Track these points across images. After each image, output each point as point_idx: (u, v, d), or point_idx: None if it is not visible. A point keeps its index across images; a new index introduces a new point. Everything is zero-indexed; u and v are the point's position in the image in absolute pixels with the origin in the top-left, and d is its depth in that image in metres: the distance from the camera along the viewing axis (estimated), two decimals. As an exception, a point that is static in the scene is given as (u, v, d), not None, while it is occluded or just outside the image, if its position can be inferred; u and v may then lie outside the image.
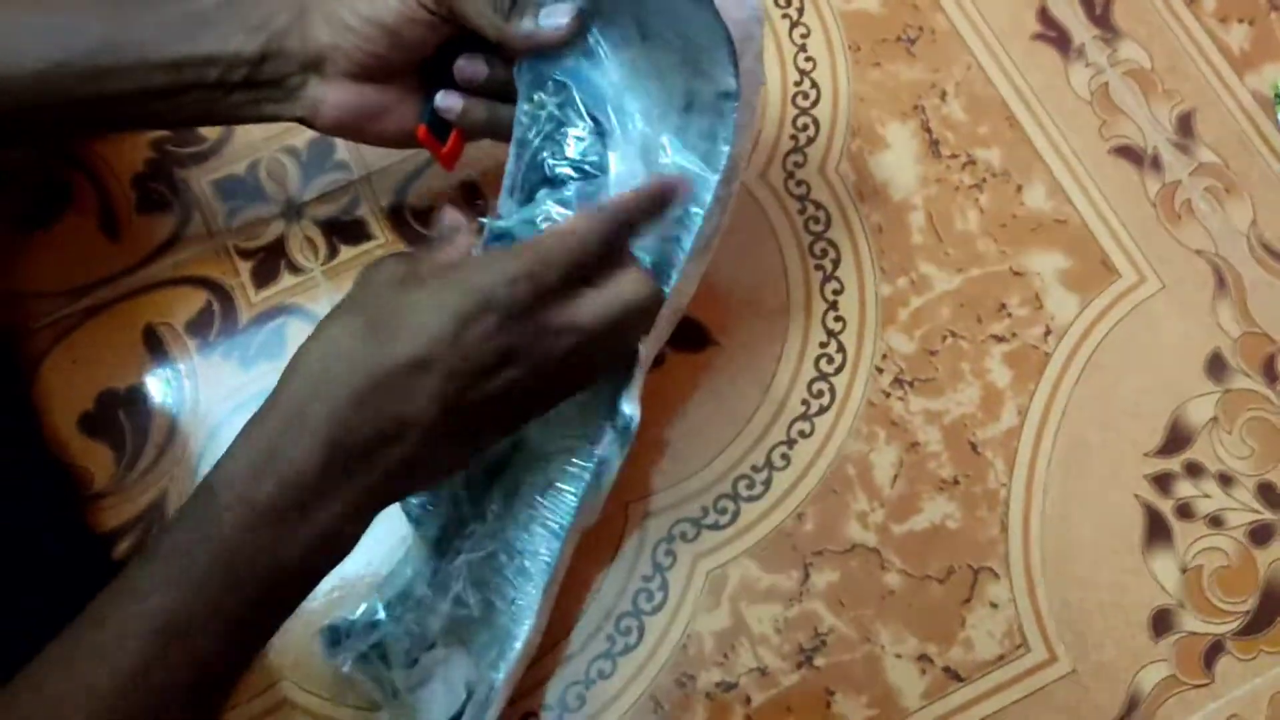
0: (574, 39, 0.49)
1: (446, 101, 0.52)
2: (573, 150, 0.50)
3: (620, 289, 0.44)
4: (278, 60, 0.49)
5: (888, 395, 0.59)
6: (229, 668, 0.41)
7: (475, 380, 0.41)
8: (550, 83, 0.50)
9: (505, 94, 0.51)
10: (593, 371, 0.47)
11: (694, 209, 0.48)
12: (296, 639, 0.54)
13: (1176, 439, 0.59)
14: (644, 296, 0.44)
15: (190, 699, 0.40)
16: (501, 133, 0.52)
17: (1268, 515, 0.58)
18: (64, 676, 0.39)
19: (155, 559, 0.40)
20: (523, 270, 0.41)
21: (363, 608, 0.52)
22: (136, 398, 0.58)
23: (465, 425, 0.42)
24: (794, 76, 0.64)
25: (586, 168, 0.50)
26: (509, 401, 0.43)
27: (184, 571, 0.39)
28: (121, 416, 0.58)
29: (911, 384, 0.59)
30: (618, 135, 0.49)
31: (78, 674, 0.38)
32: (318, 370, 0.41)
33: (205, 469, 0.56)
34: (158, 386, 0.58)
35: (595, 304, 0.43)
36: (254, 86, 0.50)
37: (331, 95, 0.51)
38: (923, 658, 0.55)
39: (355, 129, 0.52)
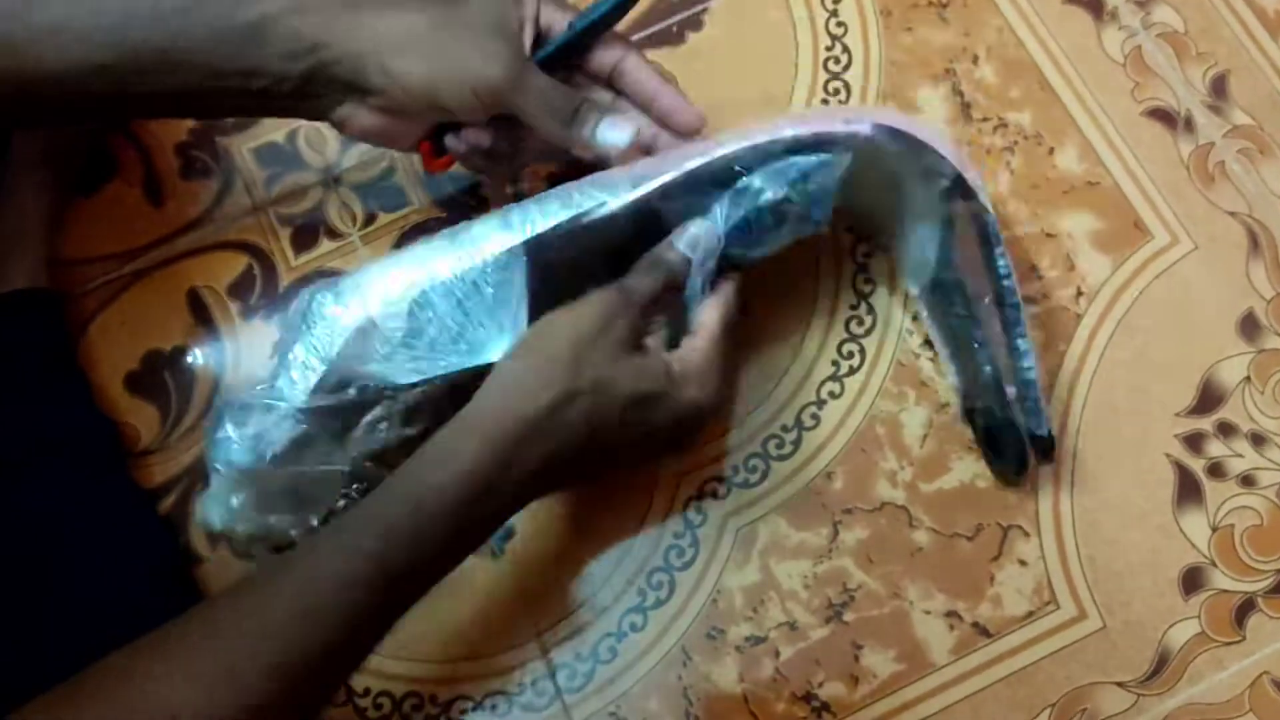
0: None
1: (455, 144, 0.53)
2: None
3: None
4: (320, 83, 0.50)
5: (917, 356, 0.60)
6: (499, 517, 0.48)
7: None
8: None
9: (503, 154, 0.54)
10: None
11: None
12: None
13: (1208, 399, 0.59)
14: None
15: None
16: (490, 176, 0.59)
17: (1301, 475, 0.58)
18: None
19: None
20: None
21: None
22: (181, 358, 0.60)
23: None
24: (825, 42, 0.65)
25: None
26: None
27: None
28: (166, 376, 0.59)
29: (941, 345, 0.60)
30: None
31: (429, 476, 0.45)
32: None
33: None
34: (201, 347, 0.60)
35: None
36: (293, 97, 0.50)
37: (362, 117, 0.51)
38: (951, 614, 0.56)
39: (374, 142, 0.54)
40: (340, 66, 0.49)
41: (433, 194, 0.62)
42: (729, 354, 0.51)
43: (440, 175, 0.62)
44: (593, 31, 0.52)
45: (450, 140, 0.53)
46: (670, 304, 0.51)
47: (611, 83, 0.54)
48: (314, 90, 0.50)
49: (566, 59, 0.52)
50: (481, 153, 0.53)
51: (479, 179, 0.62)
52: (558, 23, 0.52)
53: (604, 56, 0.53)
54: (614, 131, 0.51)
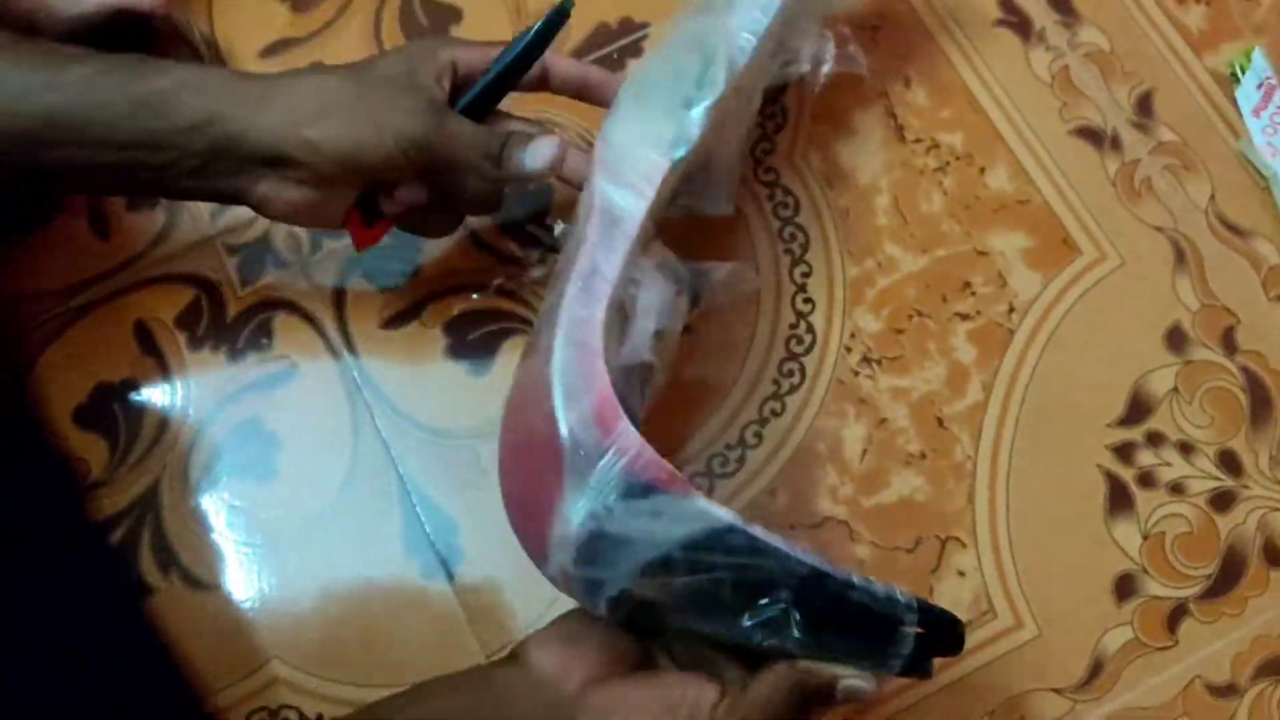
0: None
1: (388, 205, 0.53)
2: None
3: None
4: (231, 159, 0.49)
5: (856, 374, 0.61)
6: None
7: None
8: None
9: (437, 205, 0.54)
10: None
11: None
12: (288, 617, 0.56)
13: (1138, 409, 0.61)
14: None
15: None
16: (429, 233, 0.57)
17: (1228, 482, 0.60)
18: None
19: None
20: None
21: None
22: (129, 391, 0.60)
23: None
24: (762, 67, 0.66)
25: None
26: None
27: None
28: (115, 409, 0.60)
29: (879, 362, 0.61)
30: None
31: None
32: None
33: (196, 459, 0.59)
34: (149, 380, 0.60)
35: None
36: (208, 175, 0.50)
37: (285, 193, 0.51)
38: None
39: (300, 220, 0.54)
40: (249, 139, 0.49)
41: (368, 272, 0.62)
42: None
43: (373, 249, 0.58)
44: (513, 74, 0.53)
45: (385, 203, 0.53)
46: None
47: (541, 87, 0.56)
48: (225, 167, 0.49)
49: (490, 102, 0.54)
50: (417, 211, 0.53)
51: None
52: (478, 68, 0.53)
53: (530, 71, 0.54)
54: (539, 152, 0.52)
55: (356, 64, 0.52)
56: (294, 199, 0.51)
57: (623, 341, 0.49)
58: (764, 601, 0.43)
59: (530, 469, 0.45)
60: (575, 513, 0.42)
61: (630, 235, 0.49)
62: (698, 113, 0.51)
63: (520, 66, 0.53)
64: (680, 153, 0.51)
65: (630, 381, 0.49)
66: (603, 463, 0.42)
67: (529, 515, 0.45)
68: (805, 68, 0.59)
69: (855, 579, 0.43)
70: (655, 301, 0.50)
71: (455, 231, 0.58)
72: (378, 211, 0.54)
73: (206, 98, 0.49)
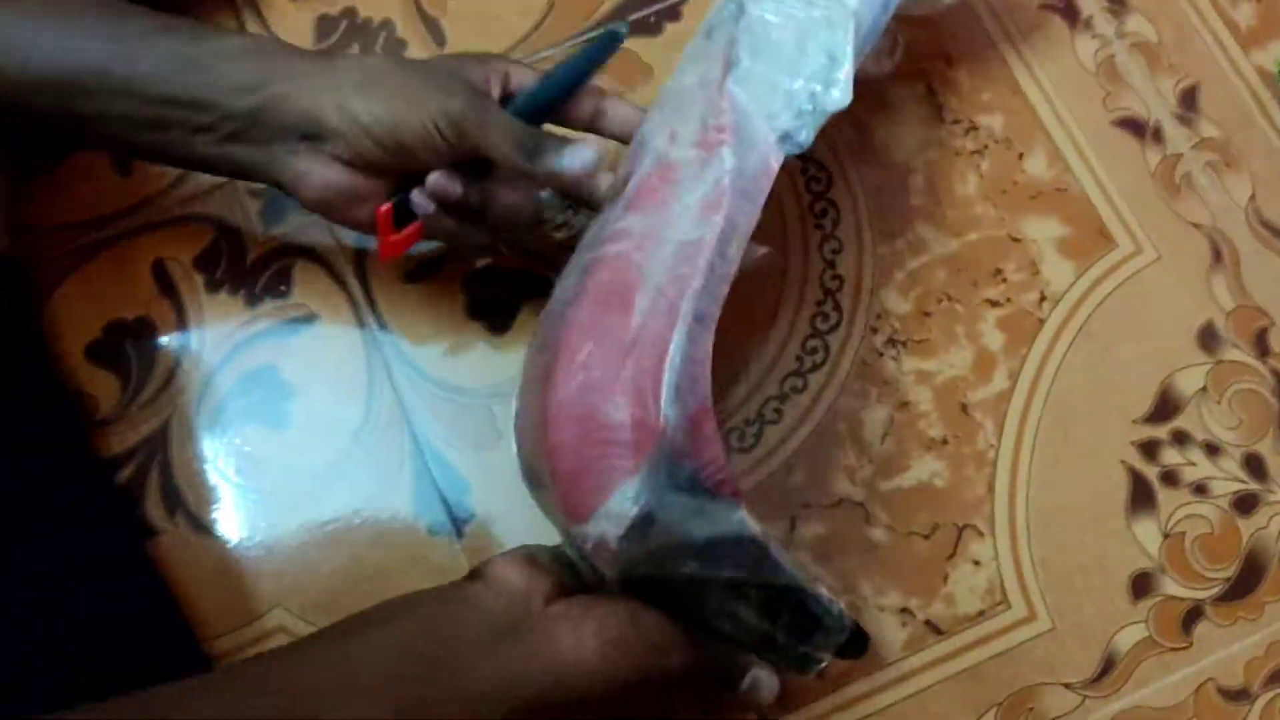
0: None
1: (422, 201, 0.52)
2: None
3: None
4: (270, 125, 0.49)
5: (881, 355, 0.60)
6: None
7: None
8: None
9: (472, 214, 0.52)
10: None
11: None
12: (293, 566, 0.56)
13: (1165, 407, 0.60)
14: None
15: None
16: (461, 248, 0.55)
17: (1253, 485, 0.59)
18: None
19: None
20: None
21: None
22: (143, 329, 0.59)
23: None
24: (802, 38, 0.65)
25: None
26: None
27: None
28: (128, 347, 0.59)
29: (905, 344, 0.60)
30: None
31: None
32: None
33: (208, 403, 0.58)
34: (164, 319, 0.60)
35: None
36: (243, 142, 0.50)
37: (320, 172, 0.50)
38: (904, 610, 0.56)
39: (334, 208, 0.52)
40: (291, 105, 0.48)
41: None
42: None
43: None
44: (559, 90, 0.52)
45: (417, 197, 0.51)
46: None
47: (592, 128, 0.54)
48: (262, 134, 0.49)
49: (540, 114, 0.52)
50: (449, 211, 0.52)
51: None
52: (528, 85, 0.52)
53: (583, 105, 0.53)
54: (579, 155, 0.49)
55: (412, 59, 0.52)
56: (329, 178, 0.50)
57: None
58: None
59: (600, 434, 0.45)
60: (642, 494, 0.44)
61: (752, 220, 0.49)
62: (821, 114, 0.51)
63: (568, 83, 0.52)
64: (795, 147, 0.50)
65: None
66: (688, 462, 0.44)
67: (583, 473, 0.45)
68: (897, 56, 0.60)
69: (823, 597, 0.46)
70: None
71: (489, 255, 0.56)
72: (410, 214, 0.52)
73: (258, 63, 0.49)
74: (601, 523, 0.44)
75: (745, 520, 0.45)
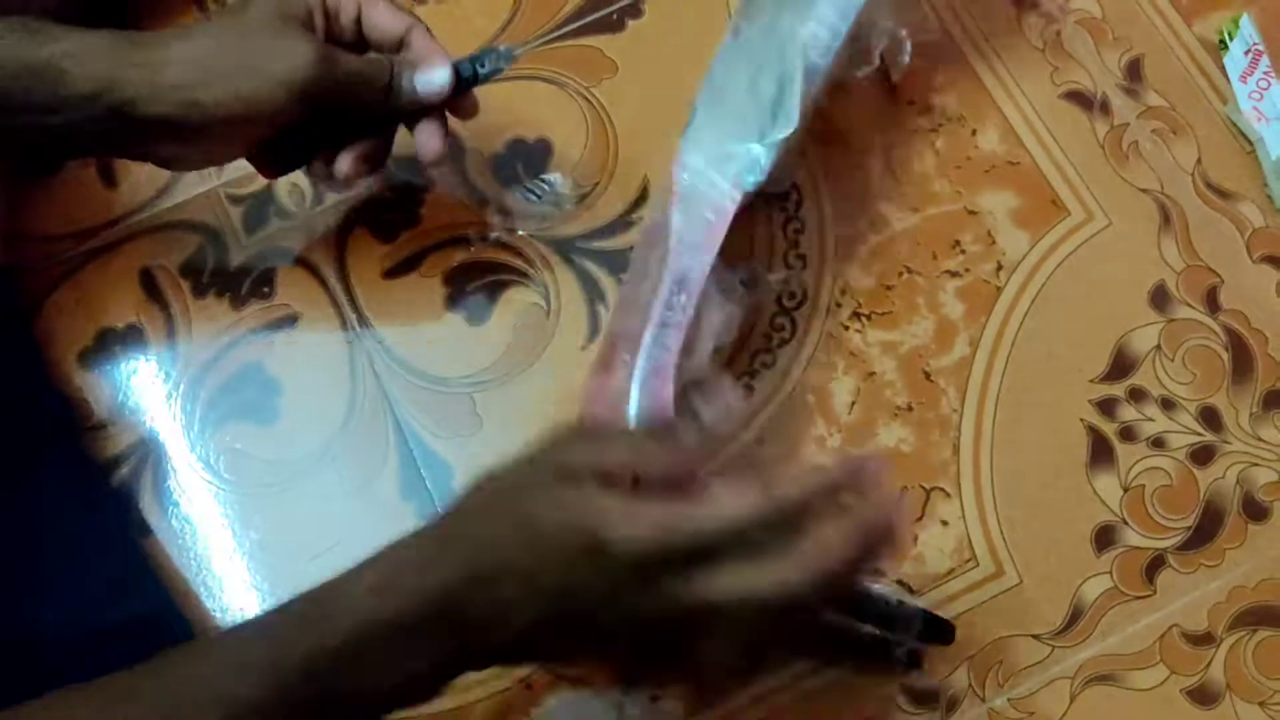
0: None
1: (345, 168, 0.55)
2: None
3: (770, 575, 0.41)
4: (132, 123, 0.49)
5: (846, 328, 0.62)
6: None
7: (572, 614, 0.41)
8: None
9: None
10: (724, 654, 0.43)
11: None
12: (284, 558, 0.58)
13: (1121, 366, 0.62)
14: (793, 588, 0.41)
15: None
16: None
17: (1209, 437, 0.61)
18: None
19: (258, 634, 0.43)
20: (663, 529, 0.41)
21: None
22: (134, 336, 0.61)
23: (555, 645, 0.43)
24: (758, 28, 0.67)
25: None
26: (606, 642, 0.43)
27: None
28: (119, 353, 0.61)
29: (869, 317, 0.62)
30: None
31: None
32: (469, 522, 0.43)
33: (198, 403, 0.60)
34: (153, 325, 0.62)
35: (729, 584, 0.41)
36: (110, 140, 0.51)
37: (187, 153, 0.53)
38: (875, 571, 0.58)
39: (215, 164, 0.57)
40: (141, 108, 0.49)
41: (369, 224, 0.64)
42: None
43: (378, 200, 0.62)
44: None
45: (344, 162, 0.54)
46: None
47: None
48: (127, 134, 0.50)
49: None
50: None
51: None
52: (345, 3, 0.53)
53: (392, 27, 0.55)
54: (431, 74, 0.53)
55: (231, 8, 0.53)
56: (197, 158, 0.54)
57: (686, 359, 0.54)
58: None
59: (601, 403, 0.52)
60: None
61: (705, 266, 0.54)
62: (772, 143, 0.55)
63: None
64: (752, 180, 0.55)
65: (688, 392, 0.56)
66: None
67: None
68: (875, 64, 0.61)
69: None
70: (715, 323, 0.55)
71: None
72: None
73: (97, 65, 0.48)
74: None
75: None
